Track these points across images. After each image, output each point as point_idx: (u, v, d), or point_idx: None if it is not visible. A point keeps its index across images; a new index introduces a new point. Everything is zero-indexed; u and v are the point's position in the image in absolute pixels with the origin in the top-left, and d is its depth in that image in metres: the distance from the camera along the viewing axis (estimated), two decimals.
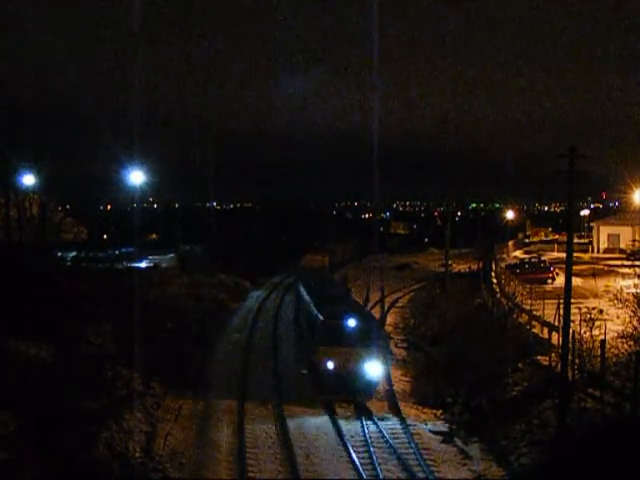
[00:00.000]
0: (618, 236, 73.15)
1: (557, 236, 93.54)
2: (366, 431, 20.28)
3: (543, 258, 58.87)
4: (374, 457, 18.27)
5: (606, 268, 53.59)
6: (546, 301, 28.87)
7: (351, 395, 22.69)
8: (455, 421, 21.86)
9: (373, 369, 22.81)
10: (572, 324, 20.74)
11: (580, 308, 23.90)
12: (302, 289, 32.68)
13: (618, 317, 23.59)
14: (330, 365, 22.75)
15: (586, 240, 79.63)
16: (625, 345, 21.50)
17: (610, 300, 25.22)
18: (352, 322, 23.30)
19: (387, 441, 19.49)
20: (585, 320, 22.52)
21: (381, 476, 17.25)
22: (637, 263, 31.65)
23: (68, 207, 42.27)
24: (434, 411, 22.97)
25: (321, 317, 24.21)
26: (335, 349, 22.90)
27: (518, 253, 77.32)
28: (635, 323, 22.25)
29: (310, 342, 25.69)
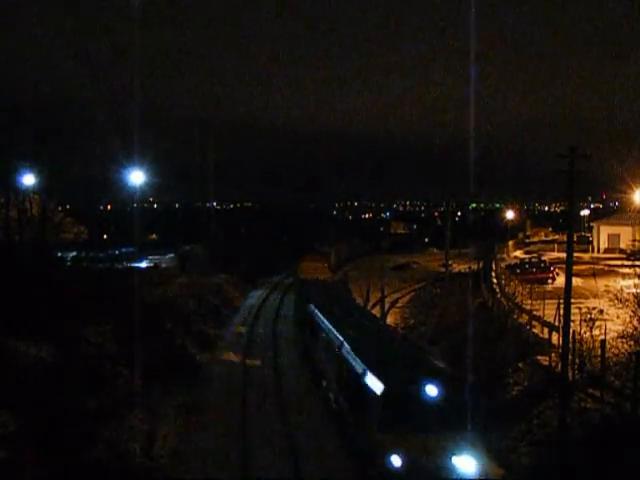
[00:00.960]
0: (618, 236, 73.17)
1: (557, 236, 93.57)
2: None
3: (543, 258, 58.89)
4: None
5: (606, 268, 53.60)
6: (546, 301, 28.89)
7: None
8: None
9: (467, 465, 14.65)
10: (572, 324, 20.76)
11: (580, 308, 23.94)
12: (325, 322, 22.92)
13: (618, 317, 23.61)
14: (397, 461, 14.54)
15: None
16: (625, 345, 21.53)
17: (610, 300, 25.24)
18: (433, 390, 14.96)
19: None
20: (585, 320, 22.56)
21: None
22: (637, 263, 31.63)
23: (68, 207, 42.20)
24: None
25: (381, 384, 15.26)
26: (407, 437, 14.66)
27: (518, 253, 77.31)
28: (635, 323, 22.26)
29: (358, 420, 16.62)
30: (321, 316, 23.90)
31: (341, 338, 19.72)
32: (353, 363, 17.36)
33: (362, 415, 16.12)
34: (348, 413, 17.76)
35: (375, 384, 15.48)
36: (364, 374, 16.29)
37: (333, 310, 24.19)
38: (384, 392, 15.06)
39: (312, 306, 26.44)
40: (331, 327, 21.67)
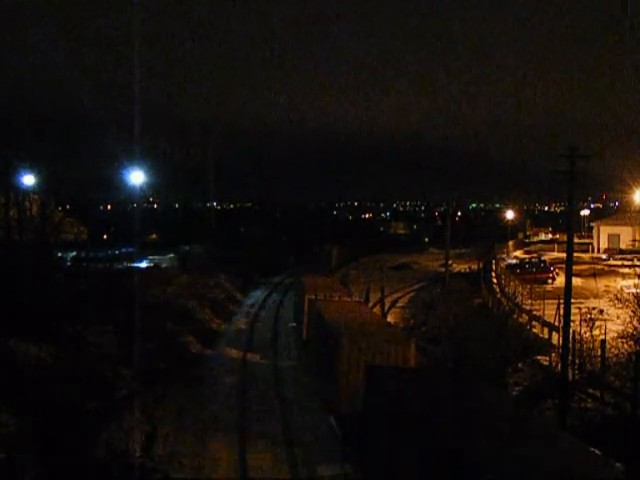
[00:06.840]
0: (618, 236, 73.16)
1: (557, 236, 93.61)
2: None
3: (543, 258, 58.92)
4: None
5: (606, 268, 53.63)
6: (546, 301, 28.91)
7: None
8: None
9: None
10: (572, 324, 20.77)
11: (580, 308, 23.97)
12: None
13: (618, 317, 23.63)
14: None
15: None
16: (625, 345, 21.52)
17: (610, 300, 25.27)
18: None
19: None
20: (585, 320, 22.57)
21: None
22: (637, 263, 31.67)
23: (68, 207, 42.19)
24: None
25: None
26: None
27: (518, 253, 77.33)
28: (635, 323, 22.27)
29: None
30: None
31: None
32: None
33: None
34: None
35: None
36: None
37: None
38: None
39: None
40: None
